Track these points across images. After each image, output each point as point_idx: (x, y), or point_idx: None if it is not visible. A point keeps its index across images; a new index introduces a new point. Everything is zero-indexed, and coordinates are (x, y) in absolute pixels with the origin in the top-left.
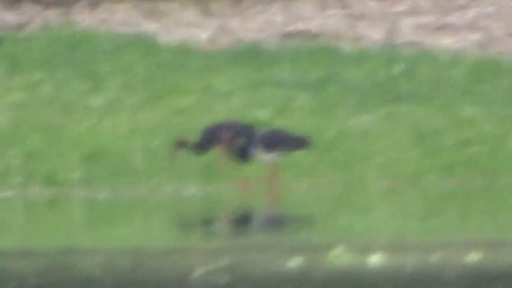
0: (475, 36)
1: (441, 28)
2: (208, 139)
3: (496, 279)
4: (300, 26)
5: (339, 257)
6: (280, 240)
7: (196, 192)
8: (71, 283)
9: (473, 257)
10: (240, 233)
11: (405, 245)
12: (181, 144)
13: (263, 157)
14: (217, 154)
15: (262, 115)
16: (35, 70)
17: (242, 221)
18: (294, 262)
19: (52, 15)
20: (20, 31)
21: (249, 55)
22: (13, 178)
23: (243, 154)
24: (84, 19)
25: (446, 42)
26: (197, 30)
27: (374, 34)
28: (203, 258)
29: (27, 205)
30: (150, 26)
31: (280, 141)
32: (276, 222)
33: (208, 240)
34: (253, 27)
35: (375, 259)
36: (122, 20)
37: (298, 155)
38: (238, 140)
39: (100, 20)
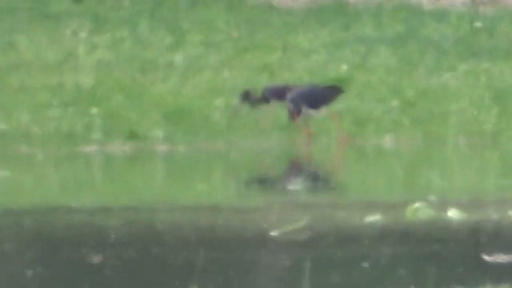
0: None
1: None
2: (265, 98)
3: None
4: None
5: (417, 212)
6: (359, 196)
7: (274, 146)
8: (150, 239)
9: None
10: (318, 190)
11: (482, 202)
12: (245, 97)
13: (313, 114)
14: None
15: (342, 72)
16: (118, 28)
17: (316, 177)
18: (372, 218)
19: None
20: None
21: (332, 12)
22: (95, 134)
23: (297, 112)
24: None
25: None
26: None
27: None
28: (282, 214)
29: (108, 160)
30: None
31: (318, 98)
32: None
33: (287, 196)
34: None
35: (452, 214)
36: None
37: (379, 111)
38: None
39: None
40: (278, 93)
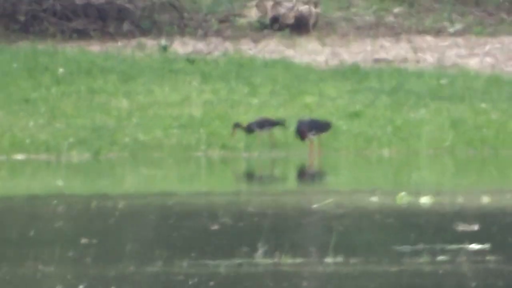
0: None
1: (470, 55)
2: (253, 127)
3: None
4: (382, 54)
5: (403, 198)
6: (364, 186)
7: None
8: (248, 212)
9: (484, 200)
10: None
11: (444, 192)
12: (236, 126)
13: (310, 137)
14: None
15: (357, 109)
16: (217, 81)
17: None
18: (374, 199)
19: (229, 46)
20: (208, 55)
21: (350, 72)
22: (202, 145)
23: (302, 137)
24: (250, 48)
25: (472, 63)
26: (317, 55)
27: (429, 58)
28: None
29: (210, 162)
30: (288, 53)
31: (318, 127)
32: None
33: (317, 184)
34: (353, 53)
35: (424, 200)
36: (272, 49)
37: (380, 133)
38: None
39: (258, 50)
40: (260, 125)
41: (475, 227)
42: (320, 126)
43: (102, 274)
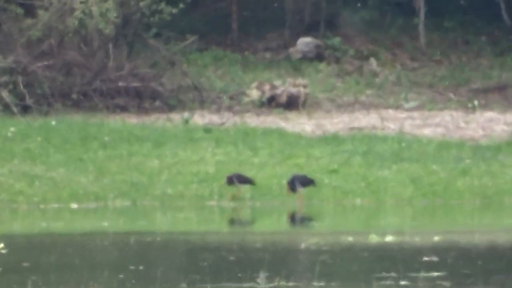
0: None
1: (424, 125)
2: (232, 181)
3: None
4: (356, 123)
5: (373, 238)
6: (342, 228)
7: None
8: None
9: (436, 238)
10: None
11: (405, 232)
12: (229, 182)
13: (300, 190)
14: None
15: (335, 167)
16: (227, 145)
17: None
18: (350, 238)
19: (237, 118)
20: (221, 125)
21: (331, 139)
22: (214, 196)
23: (293, 188)
24: (253, 120)
25: (426, 132)
26: (305, 126)
27: (392, 127)
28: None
29: (221, 210)
30: (283, 124)
31: (305, 182)
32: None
33: (305, 227)
34: (333, 124)
35: (389, 239)
36: (270, 121)
37: (354, 187)
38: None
39: (260, 122)
40: (240, 180)
41: (435, 258)
42: (308, 182)
43: None
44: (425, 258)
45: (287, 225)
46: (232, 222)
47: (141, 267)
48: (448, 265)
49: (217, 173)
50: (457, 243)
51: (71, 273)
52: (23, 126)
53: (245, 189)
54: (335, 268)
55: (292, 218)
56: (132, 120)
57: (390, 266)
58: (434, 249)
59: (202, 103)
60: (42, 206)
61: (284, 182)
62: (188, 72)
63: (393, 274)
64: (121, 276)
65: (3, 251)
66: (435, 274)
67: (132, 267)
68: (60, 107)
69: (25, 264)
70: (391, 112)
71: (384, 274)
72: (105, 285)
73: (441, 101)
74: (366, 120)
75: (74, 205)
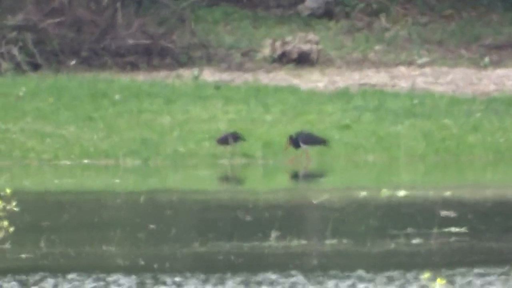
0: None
1: (435, 83)
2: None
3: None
4: (366, 79)
5: (385, 193)
6: (355, 183)
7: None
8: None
9: (447, 193)
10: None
11: (416, 187)
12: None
13: (303, 147)
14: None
15: (348, 123)
16: (238, 103)
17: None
18: (363, 193)
19: (248, 76)
20: (231, 83)
21: (342, 94)
22: (226, 155)
23: (296, 145)
24: (264, 77)
25: (438, 88)
26: (318, 82)
27: (404, 84)
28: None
29: (233, 168)
30: (295, 81)
31: (310, 140)
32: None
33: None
34: (345, 81)
35: (402, 193)
36: (282, 78)
37: (365, 143)
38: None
39: (271, 79)
40: (235, 138)
41: (453, 214)
42: (315, 140)
43: (158, 253)
44: (443, 213)
45: (299, 182)
46: (243, 180)
47: (154, 226)
48: (465, 220)
49: (229, 130)
50: (470, 199)
51: (86, 232)
52: (34, 85)
53: (256, 147)
54: (346, 225)
55: (297, 176)
56: (142, 77)
57: (405, 221)
58: (448, 204)
59: (210, 61)
60: (53, 162)
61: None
62: (195, 31)
63: (409, 230)
64: (136, 235)
65: (15, 209)
66: (453, 229)
67: (146, 226)
68: (70, 64)
69: (38, 223)
70: (402, 69)
71: (397, 231)
72: (121, 243)
73: (452, 57)
74: (376, 78)
75: (85, 161)
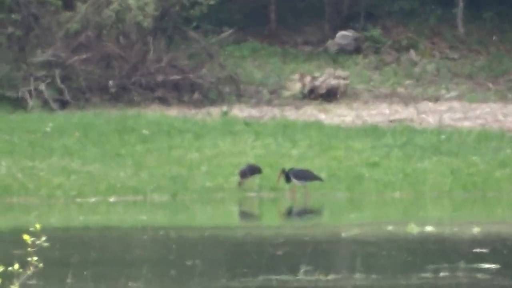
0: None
1: (464, 118)
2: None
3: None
4: (395, 115)
5: (412, 228)
6: (382, 218)
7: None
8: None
9: (475, 230)
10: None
11: (443, 223)
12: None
13: (296, 183)
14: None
15: (376, 160)
16: (266, 138)
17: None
18: (390, 228)
19: (277, 111)
20: (260, 119)
21: (371, 131)
22: (254, 188)
23: (288, 180)
24: (292, 113)
25: (465, 123)
26: (344, 117)
27: (431, 120)
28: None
29: (261, 202)
30: (321, 116)
31: (303, 176)
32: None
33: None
34: (372, 116)
35: (429, 228)
36: (309, 113)
37: (393, 180)
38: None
39: (299, 114)
40: (251, 171)
41: (484, 250)
42: (307, 177)
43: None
44: (475, 250)
45: (328, 217)
46: (271, 214)
47: (187, 262)
48: (495, 256)
49: (257, 162)
50: (499, 235)
51: (113, 268)
52: (61, 121)
53: (283, 180)
54: (376, 260)
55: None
56: (171, 113)
57: (433, 256)
58: (477, 240)
59: (240, 97)
60: (79, 199)
61: (322, 174)
62: (225, 65)
63: (438, 265)
64: (164, 271)
65: (45, 244)
66: (483, 265)
67: (174, 262)
68: (98, 101)
69: (66, 259)
70: (429, 104)
71: (429, 266)
72: (148, 280)
73: (481, 91)
74: (405, 112)
75: (112, 199)
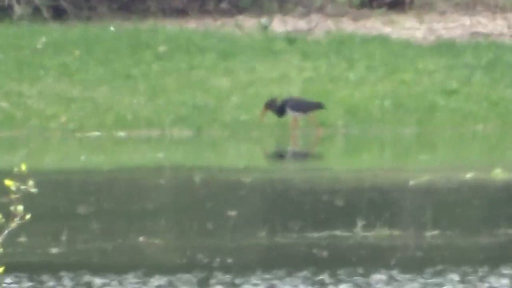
0: None
1: None
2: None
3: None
4: (479, 28)
5: (498, 174)
6: (453, 161)
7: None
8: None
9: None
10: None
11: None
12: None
13: (292, 115)
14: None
15: (452, 86)
16: (318, 58)
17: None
18: (469, 174)
19: (330, 23)
20: (309, 33)
21: (447, 48)
22: (300, 123)
23: (281, 114)
24: (349, 25)
25: None
26: (416, 30)
27: None
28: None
29: (307, 139)
30: (386, 30)
31: (300, 106)
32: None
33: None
34: (449, 29)
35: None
36: (370, 26)
37: (476, 108)
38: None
39: (358, 27)
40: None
41: None
42: (307, 106)
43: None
44: None
45: (390, 158)
46: (321, 156)
47: (216, 213)
48: None
49: (304, 93)
50: None
51: (121, 220)
52: (57, 35)
53: (337, 113)
54: (450, 214)
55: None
56: (193, 25)
57: None
58: None
59: (284, 4)
60: (79, 134)
61: (385, 103)
62: None
63: None
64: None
65: (33, 190)
66: None
67: (204, 212)
68: (107, 11)
69: (61, 209)
70: None
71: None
72: (167, 235)
73: None
74: (491, 26)
75: (121, 133)
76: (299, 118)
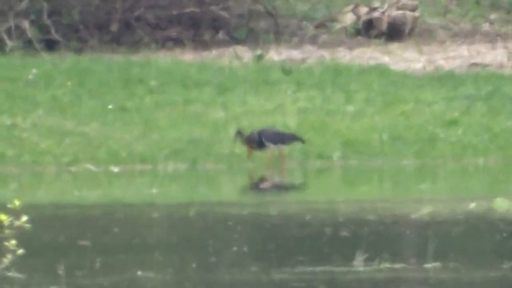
0: None
1: None
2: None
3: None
4: (478, 59)
5: (500, 203)
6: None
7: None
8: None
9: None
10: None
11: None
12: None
13: (271, 147)
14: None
15: (452, 118)
16: (311, 89)
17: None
18: (472, 205)
19: (324, 53)
20: (302, 63)
21: (446, 79)
22: (296, 156)
23: (260, 146)
24: (345, 55)
25: None
26: (413, 63)
27: None
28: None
29: (305, 173)
30: (384, 60)
31: (279, 138)
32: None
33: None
34: (448, 60)
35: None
36: (368, 56)
37: (476, 140)
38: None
39: (354, 57)
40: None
41: None
42: (281, 138)
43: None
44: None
45: (390, 190)
46: (318, 188)
47: (209, 248)
48: None
49: (299, 125)
50: None
51: (116, 255)
52: (49, 67)
53: (334, 146)
54: (452, 246)
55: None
56: (188, 57)
57: None
58: None
59: (279, 35)
60: (73, 168)
61: (384, 135)
62: None
63: None
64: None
65: (27, 225)
66: None
67: (198, 247)
68: (97, 43)
69: (55, 244)
70: None
71: None
72: (162, 269)
73: None
74: (491, 56)
75: (114, 168)
76: (283, 149)
